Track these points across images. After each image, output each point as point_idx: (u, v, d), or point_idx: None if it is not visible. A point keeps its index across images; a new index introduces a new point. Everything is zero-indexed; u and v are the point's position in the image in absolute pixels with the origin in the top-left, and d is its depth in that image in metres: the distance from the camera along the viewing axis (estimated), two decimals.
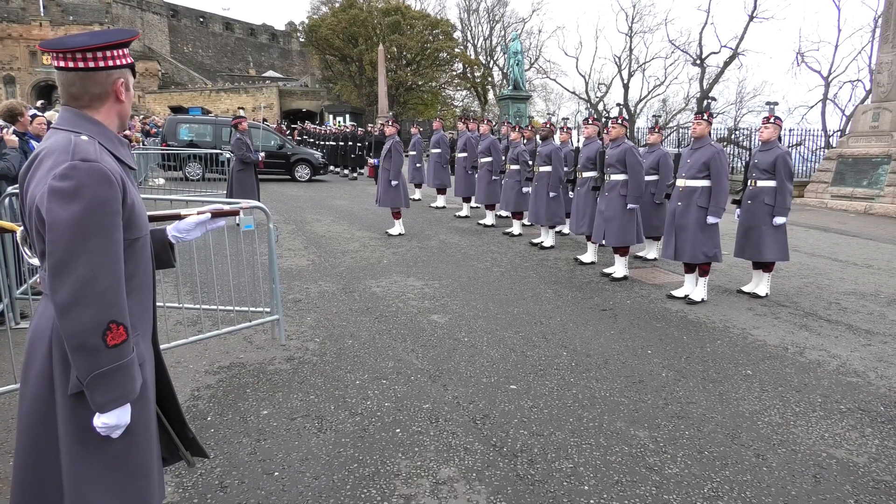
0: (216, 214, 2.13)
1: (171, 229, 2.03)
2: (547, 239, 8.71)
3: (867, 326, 5.39)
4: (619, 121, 7.01)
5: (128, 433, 1.63)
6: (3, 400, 3.60)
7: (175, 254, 2.06)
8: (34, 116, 6.15)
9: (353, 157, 19.99)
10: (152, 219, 2.05)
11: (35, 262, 1.68)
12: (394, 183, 9.08)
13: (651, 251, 7.90)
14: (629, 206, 6.67)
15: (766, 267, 6.20)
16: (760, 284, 6.23)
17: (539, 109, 41.89)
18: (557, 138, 9.20)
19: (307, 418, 3.51)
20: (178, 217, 2.09)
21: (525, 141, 9.55)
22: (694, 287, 6.10)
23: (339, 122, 32.60)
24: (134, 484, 1.67)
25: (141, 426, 1.68)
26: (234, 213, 2.32)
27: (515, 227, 9.64)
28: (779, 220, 5.95)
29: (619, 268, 6.83)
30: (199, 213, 2.09)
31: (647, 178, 7.23)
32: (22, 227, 1.74)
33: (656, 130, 8.08)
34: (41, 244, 1.55)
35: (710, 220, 5.80)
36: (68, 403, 1.58)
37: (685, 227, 5.89)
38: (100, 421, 1.56)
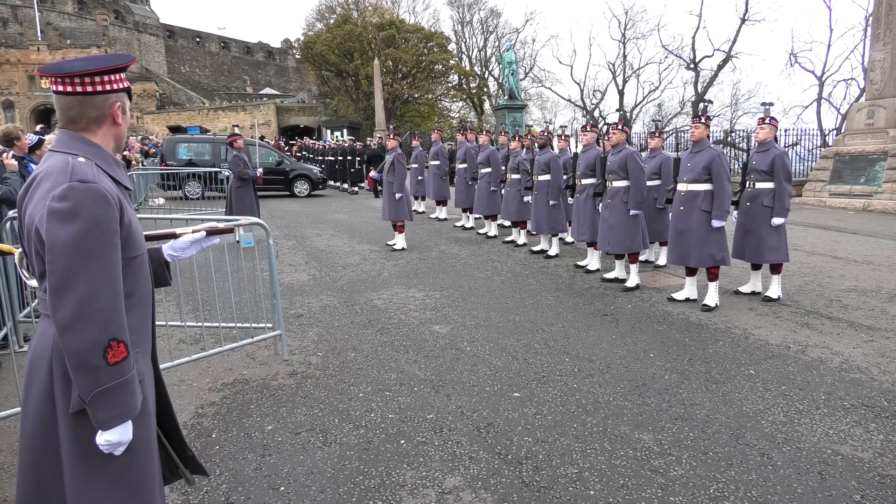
0: (211, 232, 2.16)
1: (167, 248, 2.06)
2: (551, 247, 8.70)
3: (869, 323, 5.39)
4: (620, 126, 6.96)
5: (129, 449, 1.64)
6: (8, 423, 3.61)
7: (171, 272, 2.08)
8: (41, 140, 6.16)
9: (352, 172, 20.03)
10: (149, 238, 2.07)
11: (33, 283, 1.70)
12: (397, 196, 9.12)
13: (661, 257, 7.84)
14: (631, 212, 6.60)
15: (774, 269, 6.14)
16: (772, 287, 6.15)
17: (536, 118, 42.05)
18: (556, 146, 9.20)
19: (312, 432, 3.51)
20: (174, 236, 2.11)
21: (525, 150, 9.56)
22: (695, 290, 6.10)
23: (337, 136, 32.71)
24: (137, 500, 1.68)
25: (142, 442, 1.69)
26: (229, 230, 2.35)
27: (519, 237, 9.62)
28: (777, 220, 5.93)
29: (632, 277, 6.73)
30: (194, 232, 2.11)
31: (650, 182, 7.20)
32: (19, 250, 1.76)
33: (657, 135, 8.09)
34: (41, 265, 1.57)
35: (715, 223, 5.77)
36: (70, 422, 1.59)
37: (689, 231, 5.85)
38: (102, 438, 1.57)
